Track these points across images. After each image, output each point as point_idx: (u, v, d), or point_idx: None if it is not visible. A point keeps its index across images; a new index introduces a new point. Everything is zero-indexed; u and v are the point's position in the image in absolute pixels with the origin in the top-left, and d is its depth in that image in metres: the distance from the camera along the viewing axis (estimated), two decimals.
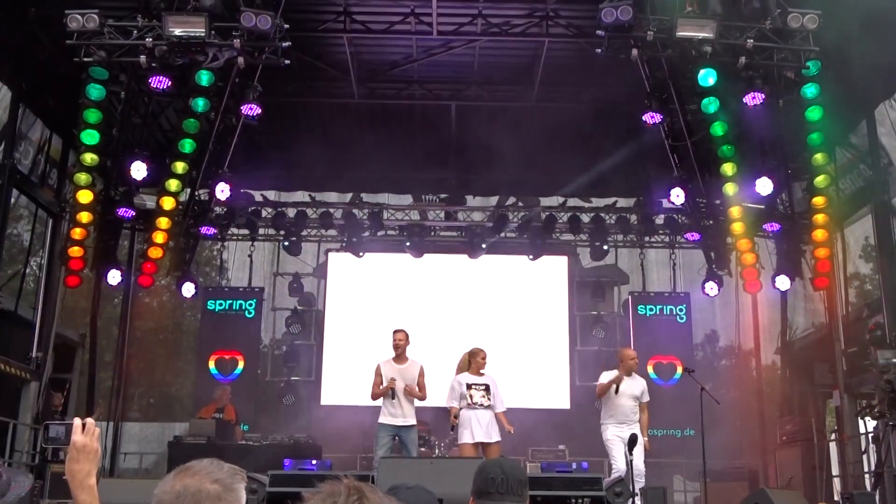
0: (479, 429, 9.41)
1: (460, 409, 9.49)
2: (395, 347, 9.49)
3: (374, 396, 9.60)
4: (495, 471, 3.01)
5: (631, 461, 8.64)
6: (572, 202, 15.27)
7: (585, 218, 14.84)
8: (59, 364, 12.80)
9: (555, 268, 15.77)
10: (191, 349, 17.89)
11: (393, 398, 9.40)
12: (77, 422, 2.66)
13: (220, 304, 15.20)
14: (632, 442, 8.64)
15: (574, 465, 9.44)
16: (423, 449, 12.41)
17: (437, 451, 12.30)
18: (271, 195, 15.41)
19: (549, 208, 15.07)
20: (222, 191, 12.68)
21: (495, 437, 9.48)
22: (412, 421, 9.44)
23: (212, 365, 14.73)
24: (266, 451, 11.30)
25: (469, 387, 9.52)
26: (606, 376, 9.91)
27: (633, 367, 9.78)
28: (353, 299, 15.46)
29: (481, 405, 9.48)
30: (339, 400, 14.53)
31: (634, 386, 9.70)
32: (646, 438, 9.49)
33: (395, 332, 9.68)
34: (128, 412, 15.98)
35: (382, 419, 9.50)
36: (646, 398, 9.69)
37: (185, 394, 17.31)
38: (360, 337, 14.53)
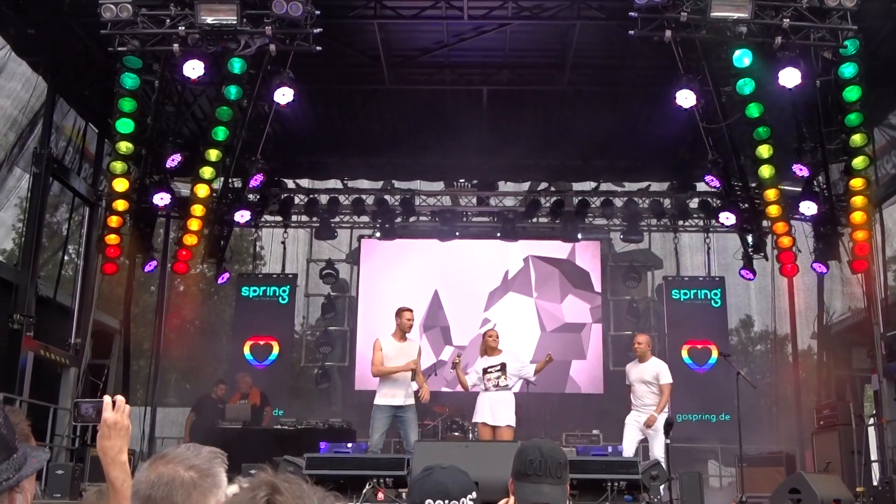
0: (487, 411, 9.41)
1: (477, 390, 9.56)
2: (408, 327, 9.39)
3: (382, 373, 9.29)
4: (534, 453, 2.98)
5: (642, 447, 8.66)
6: (605, 186, 15.16)
7: (618, 202, 14.74)
8: (97, 350, 12.96)
9: (587, 251, 15.73)
10: (226, 335, 18.05)
11: (413, 378, 9.28)
12: (107, 399, 2.66)
13: (255, 291, 15.32)
14: (668, 426, 8.57)
15: (610, 449, 9.39)
16: (456, 434, 12.44)
17: (471, 435, 12.32)
18: (304, 182, 15.47)
19: (582, 193, 14.98)
20: (255, 178, 12.73)
21: (505, 420, 9.38)
22: (411, 400, 9.34)
23: (247, 351, 14.86)
24: (301, 436, 11.38)
25: (485, 371, 9.52)
26: (628, 369, 9.95)
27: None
28: (385, 285, 15.50)
29: (497, 386, 9.46)
30: (373, 385, 14.47)
31: (644, 370, 9.65)
32: (655, 414, 9.40)
33: (406, 310, 9.45)
34: (165, 398, 16.18)
35: (381, 400, 9.21)
36: (664, 380, 9.57)
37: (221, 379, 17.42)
38: (394, 322, 14.52)
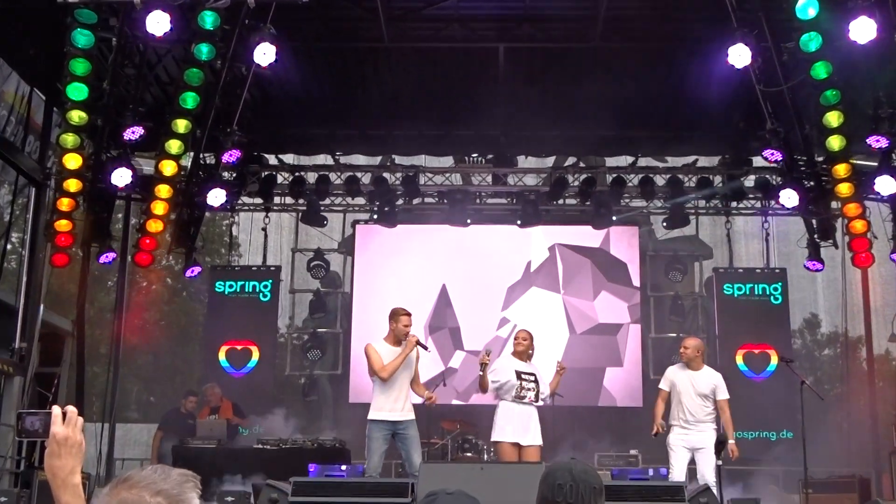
0: (518, 427, 9.36)
1: (500, 396, 9.55)
2: (404, 334, 9.34)
3: (392, 370, 9.22)
4: (564, 476, 2.97)
5: (698, 469, 8.65)
6: (644, 161, 15.12)
7: (660, 180, 14.69)
8: (46, 356, 12.99)
9: (623, 238, 15.72)
10: (197, 339, 18.10)
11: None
12: (56, 410, 2.63)
13: (231, 286, 15.35)
14: (718, 444, 8.55)
15: (651, 472, 9.37)
16: (469, 454, 12.44)
17: (485, 455, 12.32)
18: (288, 158, 15.46)
19: (617, 169, 14.94)
20: (231, 153, 12.72)
21: (536, 439, 9.40)
22: (412, 414, 9.35)
23: (222, 357, 14.91)
24: (286, 456, 11.39)
25: (519, 375, 9.47)
26: (670, 373, 9.90)
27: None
28: (385, 279, 15.51)
29: (529, 400, 9.44)
30: (369, 397, 14.59)
31: (698, 380, 9.60)
32: (732, 441, 9.39)
33: (403, 314, 9.39)
34: (125, 412, 16.24)
35: (377, 414, 9.15)
36: (722, 395, 9.57)
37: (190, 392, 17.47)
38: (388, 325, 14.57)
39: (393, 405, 9.15)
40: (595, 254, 15.67)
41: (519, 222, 14.90)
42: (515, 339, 9.86)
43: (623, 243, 15.73)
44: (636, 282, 15.59)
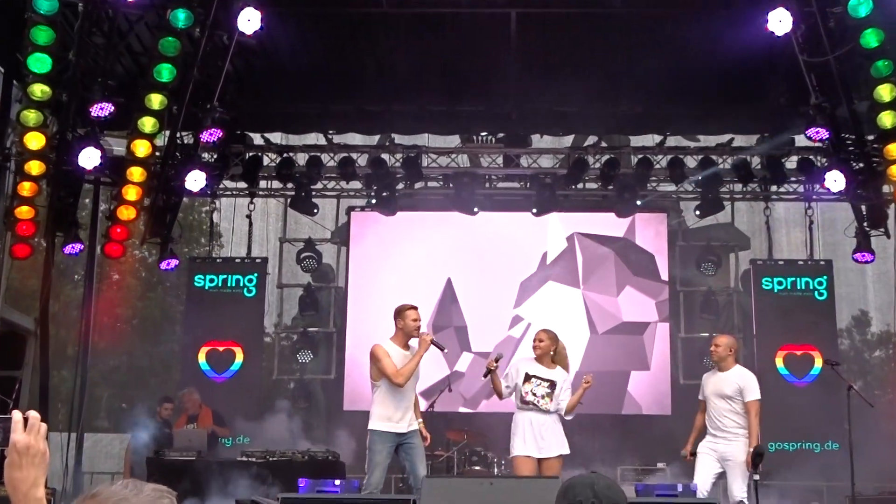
0: (531, 438, 9.34)
1: (516, 405, 9.52)
2: (415, 331, 9.28)
3: (409, 374, 9.16)
4: (584, 492, 2.97)
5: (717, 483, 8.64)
6: (673, 141, 15.08)
7: (691, 161, 14.68)
8: (6, 359, 13.00)
9: (650, 227, 15.75)
10: (174, 339, 18.13)
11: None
12: (17, 416, 2.61)
13: (212, 281, 15.38)
14: (756, 457, 8.54)
15: (680, 488, 9.37)
16: (477, 468, 12.47)
17: (495, 469, 12.35)
18: (276, 137, 15.44)
19: (643, 149, 14.92)
20: (212, 132, 12.72)
21: (555, 449, 9.36)
22: (416, 424, 9.33)
23: (202, 359, 14.94)
24: (274, 470, 11.42)
25: (528, 378, 9.41)
26: (703, 379, 9.89)
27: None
28: (383, 272, 15.54)
29: (538, 407, 9.37)
30: (366, 404, 14.58)
31: (723, 382, 9.56)
32: (750, 450, 9.29)
33: (409, 308, 9.33)
34: (93, 420, 16.27)
35: (380, 424, 9.10)
36: (750, 395, 9.47)
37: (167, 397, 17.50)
38: (392, 321, 14.57)
39: (402, 415, 9.10)
40: (618, 244, 15.70)
41: (534, 210, 14.87)
42: (533, 341, 9.82)
43: (650, 232, 15.75)
44: (664, 275, 15.61)
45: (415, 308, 9.25)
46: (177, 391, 14.48)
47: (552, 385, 9.39)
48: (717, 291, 15.56)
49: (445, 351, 9.74)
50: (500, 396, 9.64)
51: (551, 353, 9.57)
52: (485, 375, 9.59)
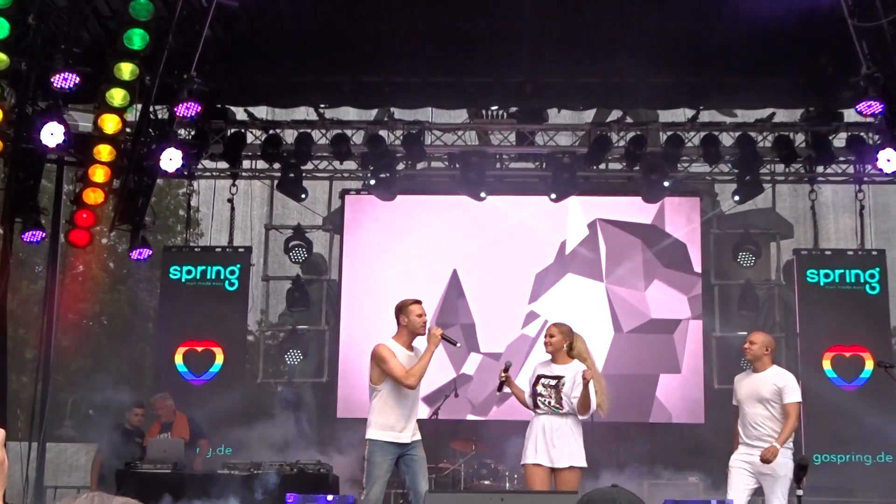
0: (542, 444, 9.28)
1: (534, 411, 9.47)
2: (421, 328, 9.23)
3: (421, 374, 9.10)
4: None
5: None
6: (707, 115, 15.06)
7: (727, 139, 14.67)
8: None
9: (681, 213, 15.75)
10: (147, 338, 18.14)
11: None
12: None
13: (189, 272, 15.37)
14: (799, 469, 8.52)
15: (714, 503, 9.37)
16: (486, 482, 12.48)
17: (507, 483, 12.36)
18: (261, 112, 15.46)
19: (673, 125, 14.90)
20: (189, 106, 12.72)
21: (566, 459, 9.28)
22: (419, 435, 9.30)
23: (178, 360, 14.94)
24: (259, 483, 11.43)
25: (538, 380, 9.38)
26: (735, 381, 9.82)
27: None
28: (381, 263, 15.54)
29: (549, 408, 9.31)
30: (361, 411, 14.53)
31: (759, 383, 9.49)
32: (777, 445, 9.22)
33: (413, 303, 9.26)
34: (57, 429, 16.29)
35: (380, 434, 9.02)
36: (789, 398, 9.41)
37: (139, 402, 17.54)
38: (391, 318, 14.58)
39: (405, 424, 9.04)
40: (646, 232, 15.70)
41: (552, 195, 14.85)
42: (543, 337, 9.79)
43: (681, 219, 15.74)
44: (697, 267, 15.61)
45: (419, 302, 9.18)
46: (150, 396, 14.48)
47: (558, 381, 9.27)
48: (756, 285, 15.54)
49: (459, 346, 9.68)
50: (532, 407, 9.50)
51: (565, 348, 9.47)
52: (499, 390, 9.50)
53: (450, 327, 14.95)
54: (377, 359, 9.01)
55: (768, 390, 9.37)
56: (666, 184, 14.71)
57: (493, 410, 14.83)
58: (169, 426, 13.18)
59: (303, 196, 15.36)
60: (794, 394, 9.38)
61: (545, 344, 9.59)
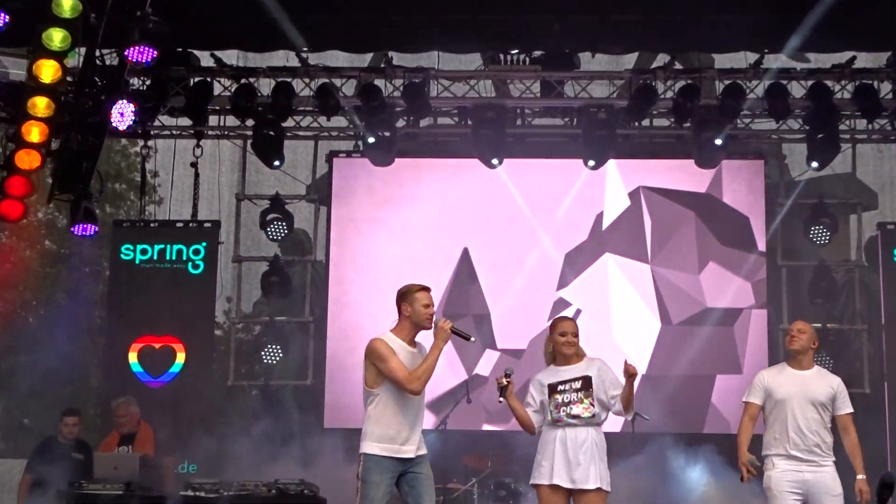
0: (561, 461, 9.28)
1: (540, 425, 9.42)
2: (427, 319, 9.20)
3: (426, 377, 9.13)
4: None
5: None
6: (774, 60, 15.01)
7: (798, 89, 14.65)
8: None
9: (742, 179, 15.76)
10: (94, 331, 18.16)
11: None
12: None
13: (145, 252, 15.40)
14: (884, 488, 8.52)
15: None
16: None
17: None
18: (231, 56, 15.42)
19: (731, 72, 14.89)
20: (143, 49, 12.73)
21: (593, 479, 9.28)
22: (424, 449, 9.28)
23: (132, 358, 14.96)
24: None
25: (553, 389, 9.35)
26: (765, 378, 9.75)
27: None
28: (376, 241, 15.55)
29: (573, 418, 9.31)
30: (353, 420, 14.51)
31: (816, 383, 9.50)
32: (861, 476, 9.27)
33: (420, 289, 9.23)
34: None
35: (378, 448, 8.92)
36: (847, 406, 9.41)
37: (84, 407, 17.57)
38: (388, 307, 14.56)
39: (408, 435, 9.00)
40: (700, 203, 15.71)
41: (591, 161, 14.82)
42: (560, 336, 9.72)
43: (741, 186, 15.75)
44: (761, 245, 15.60)
45: (427, 290, 9.12)
46: (96, 401, 14.52)
47: (586, 382, 9.26)
48: (832, 266, 15.54)
49: (473, 341, 9.58)
50: (530, 429, 9.48)
51: (573, 350, 9.47)
52: (501, 396, 9.44)
53: (460, 319, 15.02)
54: (373, 357, 8.96)
55: (825, 394, 9.32)
56: (718, 141, 14.68)
57: (514, 419, 14.79)
58: (131, 438, 13.12)
59: (276, 164, 15.32)
60: (849, 403, 9.40)
61: (566, 345, 9.48)
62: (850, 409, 9.25)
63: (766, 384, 9.52)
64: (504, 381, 8.94)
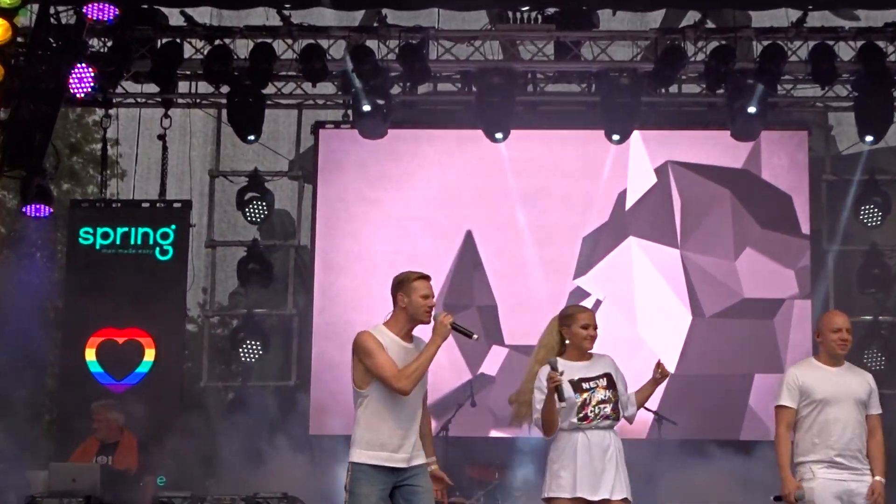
0: (585, 471, 9.23)
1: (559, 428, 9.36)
2: (425, 313, 9.15)
3: (417, 377, 9.12)
4: None
5: None
6: (818, 18, 14.96)
7: (846, 51, 14.59)
8: None
9: (783, 153, 15.71)
10: (48, 325, 18.12)
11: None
12: None
13: (106, 237, 15.37)
14: None
15: None
16: None
17: None
18: (203, 14, 15.36)
19: (771, 32, 14.83)
20: (103, 7, 12.67)
21: (619, 489, 9.26)
22: (423, 457, 9.23)
23: (90, 357, 14.93)
24: None
25: (579, 386, 9.30)
26: (798, 375, 9.68)
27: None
28: (368, 223, 15.50)
29: (604, 419, 9.27)
30: (342, 426, 14.55)
31: (854, 380, 9.45)
32: (881, 479, 9.20)
33: (419, 277, 9.19)
34: None
35: (367, 456, 8.90)
36: (878, 406, 9.41)
37: (38, 413, 17.56)
38: (381, 298, 14.52)
39: (401, 442, 8.95)
40: (736, 179, 15.66)
41: (614, 135, 14.76)
42: (582, 330, 9.69)
43: (781, 161, 15.70)
44: (805, 227, 15.56)
45: (426, 278, 9.06)
46: (51, 404, 14.48)
47: (610, 380, 9.23)
48: (885, 251, 15.46)
49: (476, 338, 9.51)
50: (552, 430, 9.41)
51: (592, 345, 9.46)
52: (560, 400, 9.31)
53: (462, 311, 15.02)
54: (360, 352, 8.87)
55: (864, 391, 9.29)
56: (754, 110, 14.62)
57: (524, 425, 14.77)
58: (112, 448, 13.09)
59: (253, 137, 15.20)
60: (877, 402, 9.38)
61: (589, 339, 9.46)
62: (880, 410, 9.23)
63: (801, 383, 9.40)
64: (559, 377, 8.79)
